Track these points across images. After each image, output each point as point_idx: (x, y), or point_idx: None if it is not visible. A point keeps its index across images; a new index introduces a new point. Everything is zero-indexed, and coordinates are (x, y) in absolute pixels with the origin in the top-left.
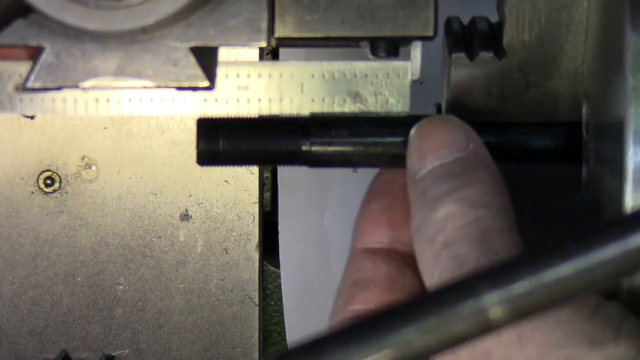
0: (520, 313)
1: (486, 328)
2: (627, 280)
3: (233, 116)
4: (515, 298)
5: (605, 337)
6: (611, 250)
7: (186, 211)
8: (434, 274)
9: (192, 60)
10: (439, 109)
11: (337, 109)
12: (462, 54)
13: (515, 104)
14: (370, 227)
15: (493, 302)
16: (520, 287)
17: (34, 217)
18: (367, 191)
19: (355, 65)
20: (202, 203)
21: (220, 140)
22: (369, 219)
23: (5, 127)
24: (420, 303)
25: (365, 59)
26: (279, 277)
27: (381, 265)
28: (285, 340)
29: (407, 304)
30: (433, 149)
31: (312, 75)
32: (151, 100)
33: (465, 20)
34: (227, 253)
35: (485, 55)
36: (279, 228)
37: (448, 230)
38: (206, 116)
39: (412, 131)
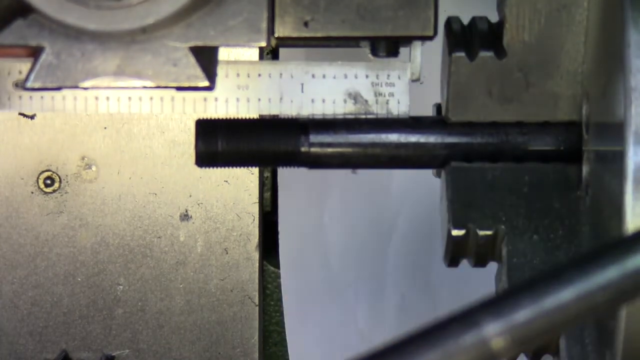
0: (522, 341)
1: (489, 359)
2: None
3: (232, 117)
4: (516, 327)
5: None
6: (610, 274)
7: (186, 211)
8: None
9: (192, 60)
10: (439, 109)
11: (337, 109)
12: (462, 54)
13: (515, 104)
14: None
15: (495, 333)
16: (522, 316)
17: (34, 217)
18: None
19: (355, 65)
20: (202, 203)
21: (219, 142)
22: None
23: (5, 127)
24: (422, 336)
25: (366, 59)
26: (279, 277)
27: None
28: (285, 340)
29: (409, 338)
30: None
31: (313, 76)
32: (151, 98)
33: (465, 20)
34: (227, 253)
35: (485, 55)
36: (279, 228)
37: None
38: (206, 115)
39: None
